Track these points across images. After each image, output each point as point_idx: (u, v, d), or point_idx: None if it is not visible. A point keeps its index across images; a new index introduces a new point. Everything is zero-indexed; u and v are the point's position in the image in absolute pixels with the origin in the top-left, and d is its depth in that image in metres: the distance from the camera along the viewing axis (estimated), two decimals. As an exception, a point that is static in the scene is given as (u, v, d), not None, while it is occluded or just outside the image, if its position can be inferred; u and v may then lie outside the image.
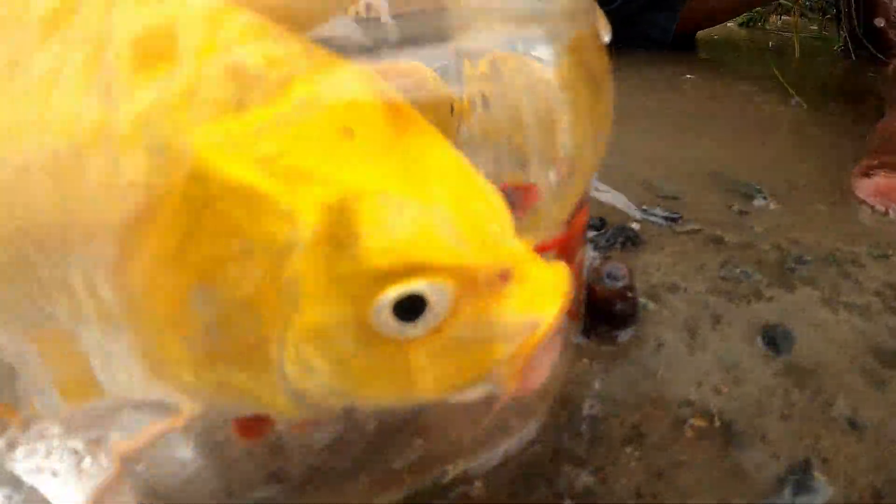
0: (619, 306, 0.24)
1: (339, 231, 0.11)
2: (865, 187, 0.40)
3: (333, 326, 0.11)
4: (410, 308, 0.11)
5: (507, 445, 0.19)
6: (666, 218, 0.35)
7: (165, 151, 0.11)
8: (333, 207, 0.11)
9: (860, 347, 0.25)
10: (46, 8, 0.12)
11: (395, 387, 0.12)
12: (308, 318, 0.11)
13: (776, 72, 0.69)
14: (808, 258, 0.32)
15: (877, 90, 0.71)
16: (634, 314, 0.25)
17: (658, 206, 0.37)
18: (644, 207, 0.37)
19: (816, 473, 0.20)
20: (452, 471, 0.18)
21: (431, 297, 0.11)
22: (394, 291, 0.11)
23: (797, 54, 0.89)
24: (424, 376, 0.12)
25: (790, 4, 0.91)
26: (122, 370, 0.13)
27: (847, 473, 0.20)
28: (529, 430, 0.20)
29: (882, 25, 0.87)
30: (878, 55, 0.85)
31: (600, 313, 0.24)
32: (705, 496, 0.19)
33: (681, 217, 0.36)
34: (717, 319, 0.26)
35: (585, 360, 0.23)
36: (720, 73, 0.79)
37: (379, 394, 0.13)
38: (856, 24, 0.90)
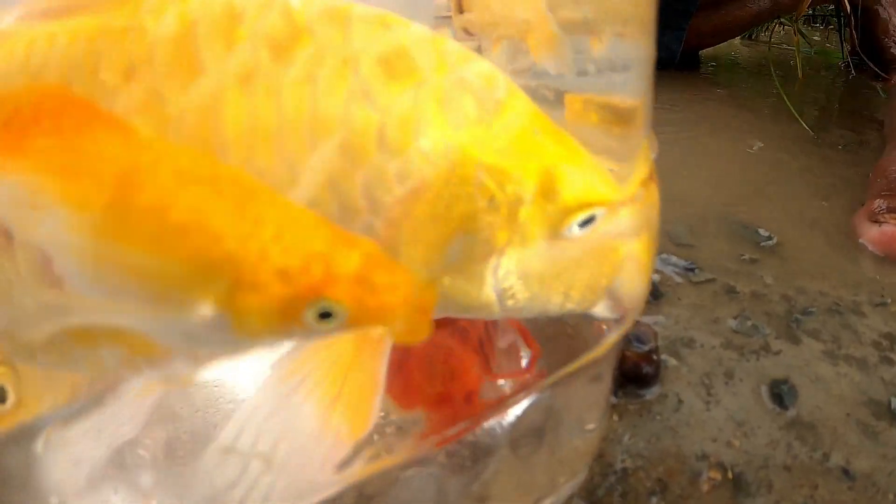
0: (645, 369, 0.28)
1: (548, 186, 0.16)
2: (871, 235, 0.43)
3: (537, 242, 0.16)
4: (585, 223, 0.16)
5: (553, 500, 0.23)
6: (684, 268, 0.39)
7: (431, 145, 0.15)
8: (544, 173, 0.16)
9: (855, 401, 0.29)
10: (275, 31, 0.15)
11: (561, 288, 0.17)
12: (526, 237, 0.16)
13: (784, 97, 0.71)
14: (813, 309, 0.36)
15: (879, 114, 0.73)
16: (658, 374, 0.29)
17: (674, 254, 0.41)
18: (663, 256, 0.40)
19: (813, 521, 0.24)
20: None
21: (598, 214, 0.16)
22: (580, 217, 0.16)
23: (800, 74, 0.91)
24: (581, 276, 0.17)
25: (790, 24, 0.93)
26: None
27: (839, 519, 0.24)
28: (573, 485, 0.24)
29: (884, 41, 0.89)
30: (881, 73, 0.88)
31: (629, 374, 0.28)
32: (719, 542, 0.23)
33: (697, 267, 0.39)
34: (729, 375, 0.30)
35: (616, 417, 0.27)
36: (724, 96, 0.81)
37: (554, 292, 0.17)
38: (856, 40, 0.92)
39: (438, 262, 0.16)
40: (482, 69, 0.15)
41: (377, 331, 0.16)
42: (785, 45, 1.09)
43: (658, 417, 0.28)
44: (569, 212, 0.16)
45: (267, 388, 0.16)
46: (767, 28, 1.06)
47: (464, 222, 0.15)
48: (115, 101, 0.15)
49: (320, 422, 0.16)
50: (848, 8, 0.89)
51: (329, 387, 0.16)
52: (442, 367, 0.20)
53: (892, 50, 0.89)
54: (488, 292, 0.16)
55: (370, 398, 0.16)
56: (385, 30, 0.15)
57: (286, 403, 0.16)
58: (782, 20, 1.03)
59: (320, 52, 0.15)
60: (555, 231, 0.16)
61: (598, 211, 0.17)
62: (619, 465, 0.25)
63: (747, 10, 0.91)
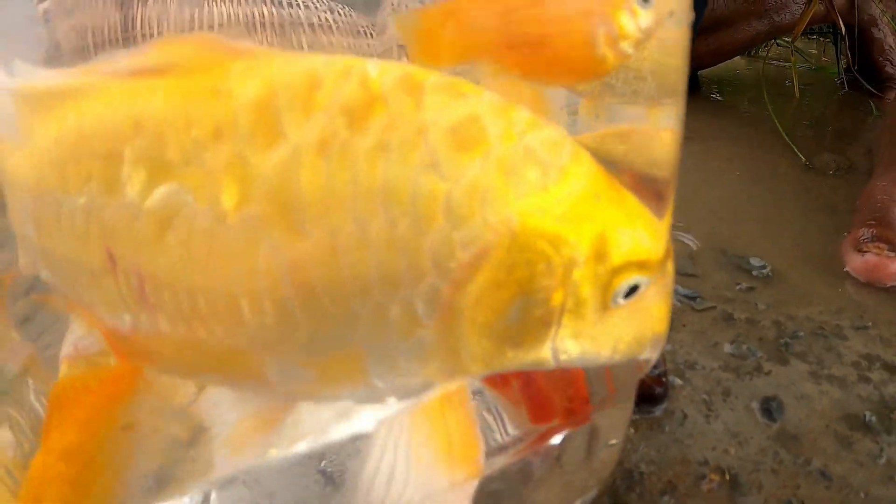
0: (657, 390, 0.33)
1: (601, 249, 0.16)
2: (856, 264, 0.47)
3: (589, 305, 0.17)
4: (630, 292, 0.17)
5: (584, 500, 0.29)
6: (687, 297, 0.44)
7: (495, 213, 0.15)
8: (596, 237, 0.16)
9: (835, 415, 0.34)
10: (352, 100, 0.15)
11: (609, 344, 0.18)
12: (579, 299, 0.17)
13: (780, 127, 0.76)
14: (801, 333, 0.41)
15: (871, 135, 0.78)
16: (666, 393, 0.34)
17: (679, 284, 0.46)
18: (669, 285, 0.46)
19: (795, 514, 0.29)
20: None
21: (642, 284, 0.17)
22: (626, 284, 0.17)
23: (796, 93, 0.95)
24: (626, 334, 0.18)
25: (787, 44, 0.98)
26: (399, 373, 0.17)
27: (817, 513, 0.29)
28: (597, 487, 0.29)
29: (880, 60, 0.94)
30: (875, 92, 0.93)
31: (643, 395, 0.33)
32: (718, 532, 0.28)
33: (699, 296, 0.45)
34: (726, 393, 0.36)
35: (632, 431, 0.33)
36: (721, 124, 0.86)
37: (602, 348, 0.18)
38: (852, 59, 0.97)
39: (500, 323, 0.16)
40: (548, 136, 0.16)
41: (456, 384, 0.18)
42: (782, 62, 1.13)
43: (667, 430, 0.33)
44: (616, 272, 0.17)
45: (386, 447, 0.17)
46: (766, 45, 1.10)
47: (523, 286, 0.16)
48: (204, 157, 0.15)
49: (441, 470, 0.17)
50: (843, 29, 0.94)
51: (439, 439, 0.18)
52: (565, 383, 0.22)
53: (886, 69, 0.94)
54: (545, 351, 0.17)
55: (474, 438, 0.18)
56: (457, 98, 0.16)
57: (408, 459, 0.17)
58: (777, 41, 1.07)
59: (394, 120, 0.15)
60: (605, 294, 0.17)
61: (642, 278, 0.17)
62: (636, 471, 0.31)
63: (745, 32, 0.95)
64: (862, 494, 0.30)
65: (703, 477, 0.31)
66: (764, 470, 0.31)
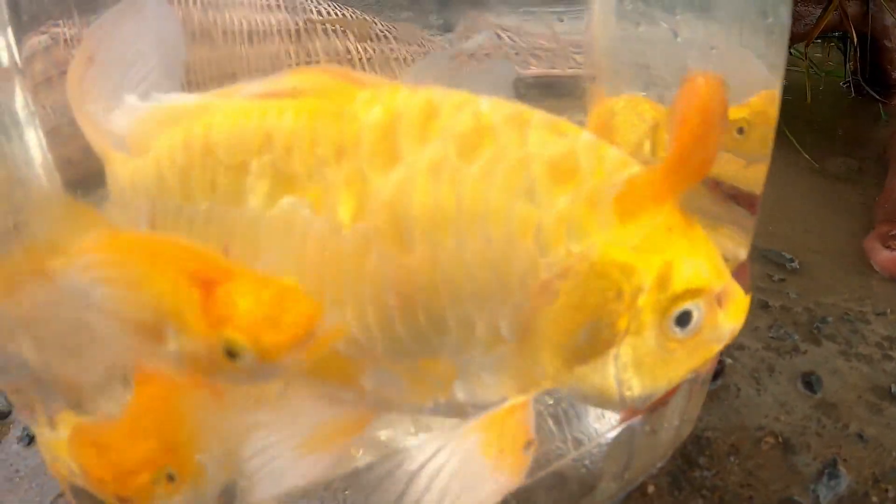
0: (714, 368, 0.38)
1: (664, 278, 0.17)
2: (882, 260, 0.50)
3: (649, 330, 0.18)
4: (683, 320, 0.18)
5: (661, 461, 0.34)
6: (726, 288, 0.50)
7: (579, 244, 0.17)
8: (661, 268, 0.17)
9: (865, 387, 0.40)
10: (464, 131, 0.16)
11: (667, 376, 0.19)
12: (641, 326, 0.18)
13: (790, 136, 0.81)
14: (829, 318, 0.47)
15: (879, 139, 0.83)
16: (722, 369, 0.40)
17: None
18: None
19: (840, 468, 0.34)
20: (637, 482, 0.33)
21: (695, 312, 0.18)
22: (681, 309, 0.18)
23: (808, 99, 1.00)
24: (681, 367, 0.19)
25: (800, 55, 1.02)
26: (482, 385, 0.19)
27: (857, 468, 0.34)
28: (670, 453, 0.34)
29: (888, 69, 0.98)
30: (882, 100, 0.97)
31: (701, 372, 0.39)
32: (778, 483, 0.33)
33: (736, 286, 0.50)
34: (771, 370, 0.41)
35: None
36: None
37: (659, 382, 0.19)
38: (862, 68, 1.01)
39: (570, 342, 0.17)
40: (636, 176, 0.17)
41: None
42: (789, 67, 1.17)
43: (725, 402, 0.38)
44: (675, 299, 0.18)
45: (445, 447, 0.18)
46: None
47: (595, 310, 0.17)
48: (326, 173, 0.17)
49: (490, 471, 0.18)
50: (855, 39, 0.97)
51: (491, 443, 0.18)
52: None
53: (894, 77, 0.98)
54: (611, 381, 0.18)
55: (521, 448, 0.19)
56: (557, 135, 0.17)
57: (464, 459, 0.18)
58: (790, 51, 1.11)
59: (500, 151, 0.16)
60: (663, 317, 0.18)
61: (695, 304, 0.18)
62: (703, 437, 0.36)
63: None
64: (894, 453, 0.35)
65: (760, 440, 0.36)
66: (809, 433, 0.36)
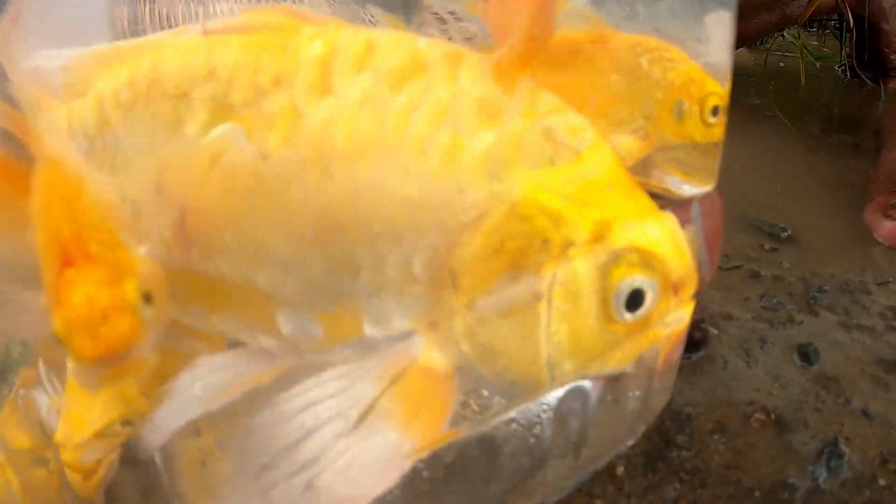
0: (695, 335, 0.34)
1: (601, 234, 0.16)
2: (885, 230, 0.47)
3: (585, 294, 0.16)
4: (633, 302, 0.16)
5: (632, 438, 0.29)
6: (713, 257, 0.45)
7: (500, 183, 0.16)
8: (599, 222, 0.16)
9: (868, 360, 0.35)
10: (396, 65, 0.16)
11: (604, 360, 0.17)
12: (570, 289, 0.16)
13: (778, 112, 0.78)
14: (827, 288, 0.42)
15: (874, 118, 0.80)
16: (706, 339, 0.35)
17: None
18: (693, 248, 0.46)
19: (842, 447, 0.29)
20: (603, 461, 0.28)
21: (648, 291, 0.16)
22: (626, 285, 0.16)
23: (802, 81, 0.97)
24: (623, 352, 0.17)
25: (793, 38, 1.00)
26: (394, 327, 0.18)
27: (862, 447, 0.30)
28: (643, 429, 0.29)
29: (885, 52, 0.95)
30: (878, 82, 0.94)
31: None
32: (771, 464, 0.28)
33: (725, 255, 0.45)
34: (763, 341, 0.36)
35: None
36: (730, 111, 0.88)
37: (597, 365, 0.17)
38: (857, 50, 0.98)
39: (488, 293, 0.16)
40: (569, 121, 0.17)
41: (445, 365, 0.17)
42: (784, 53, 1.15)
43: (709, 375, 0.33)
44: (617, 265, 0.16)
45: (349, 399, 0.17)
46: (772, 35, 1.11)
47: (514, 257, 0.16)
48: (263, 103, 0.17)
49: (394, 440, 0.17)
50: (851, 20, 0.95)
51: (406, 412, 0.17)
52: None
53: (891, 58, 0.95)
54: (541, 362, 0.17)
55: (439, 423, 0.17)
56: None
57: (368, 420, 0.17)
58: (783, 34, 1.08)
59: (429, 85, 0.16)
60: (604, 289, 0.16)
61: (649, 281, 0.16)
62: (683, 412, 0.31)
63: (753, 24, 0.96)
64: (904, 431, 0.31)
65: (750, 416, 0.31)
66: (808, 409, 0.32)
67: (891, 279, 0.43)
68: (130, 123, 0.19)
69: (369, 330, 0.18)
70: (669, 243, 0.17)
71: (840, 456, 0.29)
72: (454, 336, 0.17)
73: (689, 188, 0.25)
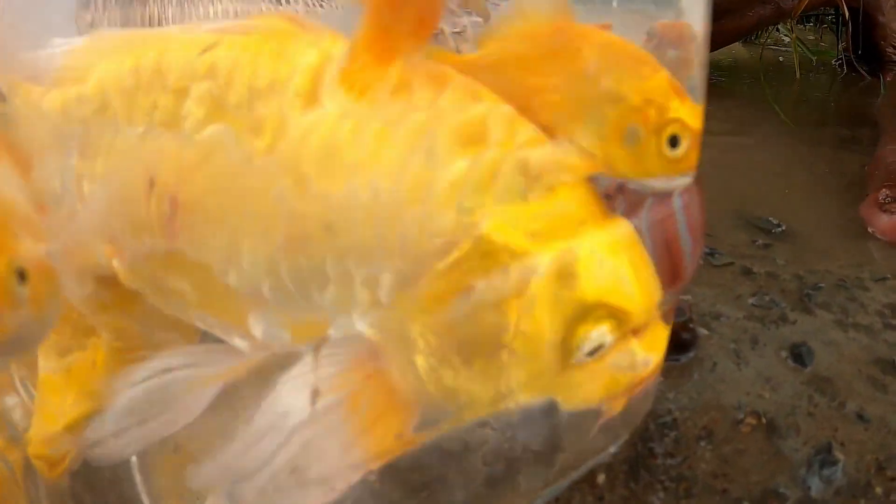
0: (683, 336, 0.32)
1: (566, 278, 0.16)
2: (882, 224, 0.46)
3: (546, 339, 0.16)
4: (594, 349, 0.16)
5: (614, 447, 0.27)
6: (704, 253, 0.43)
7: (469, 215, 0.16)
8: (561, 258, 0.16)
9: (865, 360, 0.34)
10: (381, 82, 0.16)
11: (563, 395, 0.17)
12: (532, 329, 0.16)
13: (773, 104, 0.76)
14: (822, 285, 0.40)
15: (871, 111, 0.78)
16: (694, 340, 0.33)
17: (695, 243, 0.45)
18: (684, 245, 0.45)
19: (836, 453, 0.28)
20: (582, 469, 0.26)
21: (608, 339, 0.16)
22: (589, 343, 0.16)
23: (797, 74, 0.96)
24: (579, 391, 0.17)
25: (787, 32, 0.98)
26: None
27: (858, 452, 0.28)
28: (628, 433, 0.28)
29: (882, 44, 0.94)
30: (875, 75, 0.93)
31: (669, 342, 0.32)
32: (760, 472, 0.27)
33: (716, 252, 0.44)
34: (754, 341, 0.35)
35: (662, 378, 0.32)
36: (725, 104, 0.86)
37: (563, 398, 0.17)
38: (854, 43, 0.97)
39: (448, 325, 0.16)
40: (546, 155, 0.16)
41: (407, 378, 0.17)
42: (780, 47, 1.14)
43: (697, 377, 0.32)
44: (582, 313, 0.16)
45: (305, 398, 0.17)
46: (766, 30, 1.11)
47: (475, 292, 0.16)
48: (255, 107, 0.17)
49: (350, 445, 0.17)
50: (846, 13, 0.94)
51: (363, 419, 0.17)
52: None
53: (888, 51, 0.94)
54: (500, 401, 0.17)
55: (395, 434, 0.17)
56: (473, 100, 0.16)
57: (325, 421, 0.17)
58: (777, 27, 1.07)
59: (410, 105, 0.16)
60: (566, 338, 0.16)
61: (608, 331, 0.16)
62: (668, 417, 0.29)
63: (748, 18, 0.95)
64: (902, 435, 0.29)
65: (740, 421, 0.29)
66: (800, 413, 0.30)
67: (889, 275, 0.42)
68: (131, 111, 0.19)
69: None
70: (636, 291, 0.16)
71: (833, 463, 0.27)
72: (414, 368, 0.17)
73: (665, 183, 0.22)
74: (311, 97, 0.17)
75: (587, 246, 0.16)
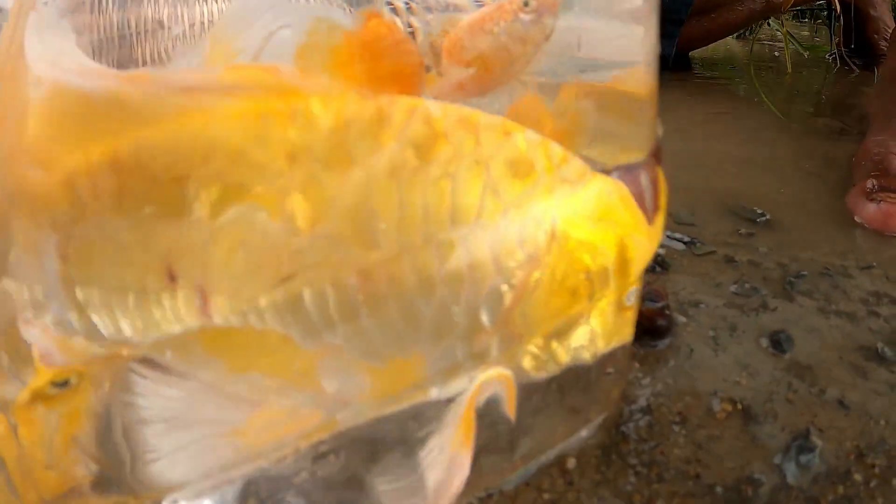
0: (658, 322, 0.31)
1: (622, 256, 0.21)
2: (868, 213, 0.45)
3: (611, 300, 0.21)
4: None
5: (587, 431, 0.27)
6: (686, 243, 0.43)
7: (541, 225, 0.19)
8: (620, 244, 0.20)
9: (848, 347, 0.33)
10: (419, 134, 0.17)
11: (622, 333, 0.23)
12: (605, 298, 0.21)
13: (762, 94, 0.76)
14: (805, 273, 0.40)
15: (862, 104, 0.78)
16: (670, 327, 0.32)
17: (677, 231, 0.44)
18: (667, 233, 0.44)
19: (814, 439, 0.27)
20: (553, 453, 0.26)
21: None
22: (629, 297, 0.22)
23: (788, 68, 0.96)
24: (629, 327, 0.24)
25: (779, 27, 0.98)
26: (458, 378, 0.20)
27: (837, 439, 0.27)
28: (600, 419, 0.27)
29: (874, 38, 0.94)
30: (868, 69, 0.92)
31: (645, 328, 0.31)
32: (735, 458, 0.26)
33: (698, 241, 0.43)
34: (733, 328, 0.34)
35: (636, 364, 0.31)
36: (717, 98, 0.86)
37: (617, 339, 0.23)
38: (843, 37, 0.97)
39: (551, 323, 0.20)
40: (575, 165, 0.19)
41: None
42: (775, 42, 1.13)
43: (673, 363, 0.31)
44: (632, 277, 0.21)
45: None
46: (758, 25, 1.11)
47: (566, 286, 0.20)
48: (277, 179, 0.16)
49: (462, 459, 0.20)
50: (838, 8, 0.94)
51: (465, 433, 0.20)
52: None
53: (881, 45, 0.94)
54: (585, 343, 0.22)
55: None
56: (506, 136, 0.18)
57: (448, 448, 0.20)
58: (769, 22, 1.07)
59: (457, 151, 0.18)
60: (621, 292, 0.21)
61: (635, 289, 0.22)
62: (643, 402, 0.29)
63: (738, 13, 0.95)
64: (882, 421, 0.28)
65: (715, 408, 0.29)
66: (778, 400, 0.29)
67: (874, 264, 0.41)
68: (116, 212, 0.17)
69: (434, 382, 0.19)
70: (648, 257, 0.23)
71: (811, 449, 0.27)
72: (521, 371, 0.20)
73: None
74: (345, 159, 0.17)
75: (626, 224, 0.21)
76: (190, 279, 0.16)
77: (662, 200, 0.23)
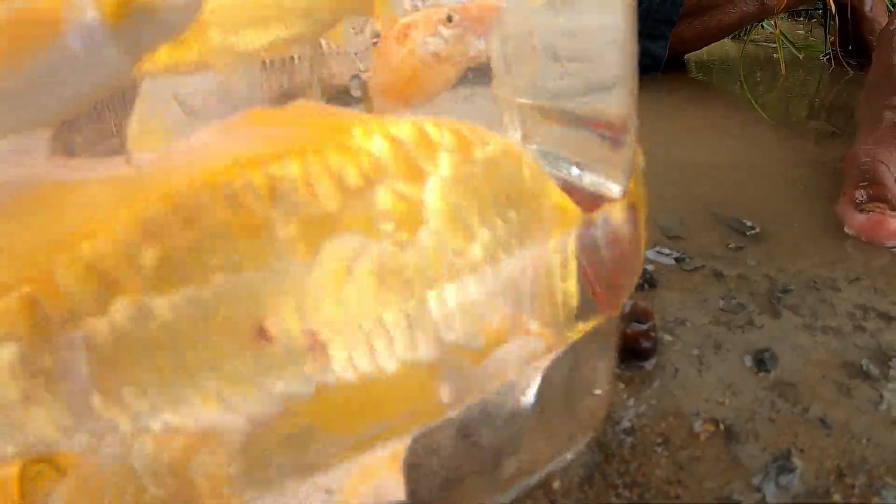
0: (644, 344, 0.32)
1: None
2: (858, 223, 0.45)
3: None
4: None
5: (571, 453, 0.27)
6: (675, 259, 0.43)
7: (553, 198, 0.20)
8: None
9: (832, 364, 0.33)
10: (456, 141, 0.18)
11: None
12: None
13: (752, 101, 0.76)
14: (792, 287, 0.40)
15: (854, 105, 0.78)
16: (655, 348, 0.33)
17: (666, 246, 0.45)
18: (657, 248, 0.45)
19: (794, 459, 0.27)
20: (539, 475, 0.26)
21: None
22: None
23: (782, 70, 0.96)
24: None
25: (772, 29, 0.98)
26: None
27: (818, 459, 0.28)
28: (586, 439, 0.28)
29: (870, 39, 0.94)
30: (860, 70, 0.92)
31: (630, 349, 0.32)
32: (715, 479, 0.26)
33: (687, 256, 0.43)
34: (718, 347, 0.34)
35: (621, 385, 0.31)
36: (711, 102, 0.86)
37: None
38: (842, 39, 0.97)
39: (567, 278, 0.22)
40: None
41: None
42: (769, 44, 1.13)
43: (657, 384, 0.32)
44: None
45: None
46: (753, 27, 1.11)
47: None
48: (358, 203, 0.16)
49: None
50: (833, 8, 0.94)
51: None
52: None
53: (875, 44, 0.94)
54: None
55: None
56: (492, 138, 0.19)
57: None
58: (763, 24, 1.07)
59: (496, 154, 0.19)
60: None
61: None
62: (626, 424, 0.29)
63: (731, 14, 0.95)
64: (864, 440, 0.29)
65: (698, 428, 0.29)
66: (760, 419, 0.30)
67: (863, 275, 0.42)
68: (168, 285, 0.15)
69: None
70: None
71: (791, 470, 0.27)
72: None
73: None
74: (416, 171, 0.17)
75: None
76: (288, 326, 0.15)
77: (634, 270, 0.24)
